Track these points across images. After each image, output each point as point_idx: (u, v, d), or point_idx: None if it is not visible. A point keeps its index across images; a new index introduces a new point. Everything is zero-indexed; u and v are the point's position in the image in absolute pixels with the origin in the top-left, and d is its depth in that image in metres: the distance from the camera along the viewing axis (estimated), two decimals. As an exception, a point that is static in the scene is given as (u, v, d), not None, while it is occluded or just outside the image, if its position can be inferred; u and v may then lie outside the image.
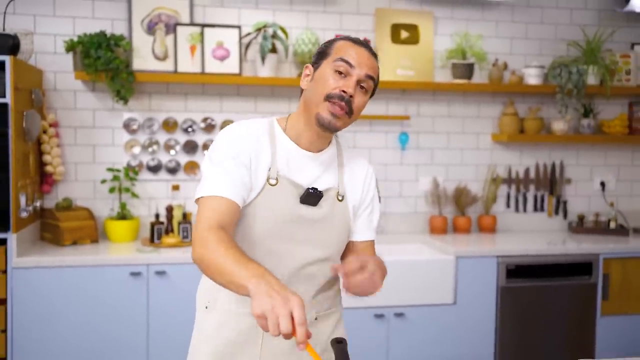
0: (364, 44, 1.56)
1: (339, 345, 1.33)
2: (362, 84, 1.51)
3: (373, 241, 1.70)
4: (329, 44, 1.57)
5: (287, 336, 1.18)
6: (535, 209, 3.85)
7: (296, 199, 1.53)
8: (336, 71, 1.50)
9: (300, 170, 1.56)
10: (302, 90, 1.58)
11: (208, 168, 1.50)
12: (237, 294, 1.45)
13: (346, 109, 1.49)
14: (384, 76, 3.51)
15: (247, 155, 1.49)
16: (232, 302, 1.56)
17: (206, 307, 1.61)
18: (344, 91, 1.48)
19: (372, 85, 1.54)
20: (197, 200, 1.49)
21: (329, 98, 1.49)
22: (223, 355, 1.57)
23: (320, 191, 1.55)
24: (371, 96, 1.60)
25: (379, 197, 1.75)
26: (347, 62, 1.50)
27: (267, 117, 1.63)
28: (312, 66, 1.57)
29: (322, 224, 1.56)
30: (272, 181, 1.52)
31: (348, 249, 1.67)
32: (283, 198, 1.52)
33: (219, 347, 1.57)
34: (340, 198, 1.60)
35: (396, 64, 3.55)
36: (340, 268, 1.42)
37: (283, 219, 1.52)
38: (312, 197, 1.54)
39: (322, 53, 1.56)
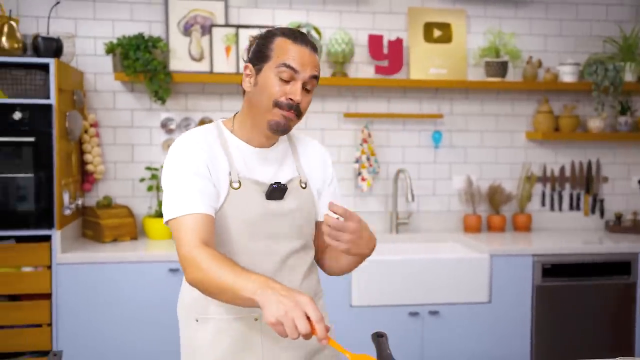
0: (304, 39, 1.51)
1: (380, 339, 1.36)
2: (306, 86, 1.50)
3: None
4: (266, 41, 1.52)
5: (307, 336, 1.19)
6: (571, 208, 3.81)
7: (262, 197, 1.54)
8: (280, 76, 1.48)
9: (258, 167, 1.56)
10: (244, 90, 1.56)
11: (171, 187, 1.47)
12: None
13: (295, 113, 1.50)
14: (417, 75, 3.52)
15: (204, 166, 1.48)
16: (224, 311, 1.54)
17: (197, 321, 1.58)
18: (290, 99, 1.48)
19: (316, 83, 1.53)
20: (168, 222, 1.46)
21: (277, 105, 1.48)
22: None
23: (284, 184, 1.56)
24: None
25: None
26: (291, 68, 1.47)
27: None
28: (252, 66, 1.53)
29: (292, 215, 1.57)
30: (235, 184, 1.52)
31: (318, 230, 1.66)
32: (249, 198, 1.52)
33: (220, 356, 1.55)
34: (303, 185, 1.61)
35: (429, 62, 3.55)
36: (331, 222, 1.39)
37: (254, 218, 1.52)
38: (277, 191, 1.55)
39: (260, 53, 1.51)
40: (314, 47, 1.52)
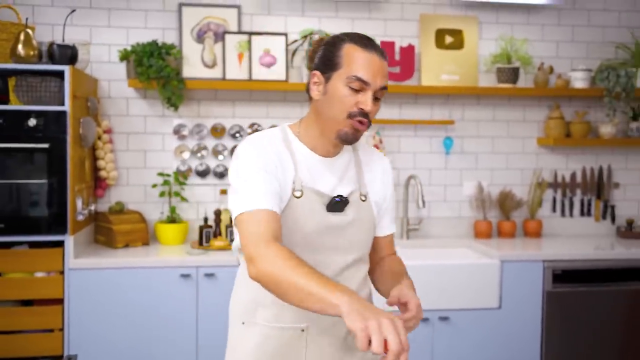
0: (374, 45, 1.50)
1: None
2: (376, 96, 1.50)
3: (393, 234, 1.76)
4: (334, 48, 1.50)
5: (396, 356, 1.12)
6: (582, 214, 3.80)
7: (322, 208, 1.52)
8: (351, 87, 1.47)
9: (321, 177, 1.55)
10: (310, 97, 1.55)
11: (240, 184, 1.46)
12: (278, 309, 1.51)
13: (367, 124, 1.50)
14: (429, 81, 3.53)
15: (273, 166, 1.48)
16: (272, 316, 1.53)
17: (243, 323, 1.58)
18: (362, 109, 1.47)
19: (384, 93, 1.52)
20: (237, 217, 1.44)
21: (350, 117, 1.48)
22: None
23: (346, 198, 1.55)
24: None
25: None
26: (362, 80, 1.46)
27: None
28: (321, 74, 1.52)
29: (350, 229, 1.56)
30: (297, 193, 1.51)
31: (374, 244, 1.70)
32: (309, 209, 1.51)
33: None
34: (363, 198, 1.60)
35: (441, 69, 3.56)
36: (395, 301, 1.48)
37: (311, 230, 1.51)
38: (338, 204, 1.53)
39: (329, 61, 1.50)
40: (382, 54, 1.50)
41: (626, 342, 3.22)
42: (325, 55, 1.51)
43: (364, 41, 1.49)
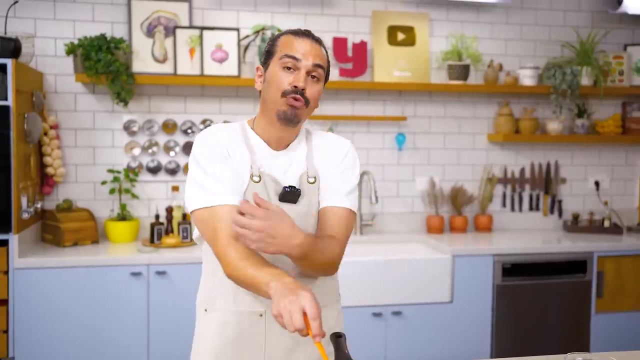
0: (307, 33, 1.58)
1: (338, 339, 1.37)
2: (312, 74, 1.55)
3: (345, 209, 1.60)
4: (273, 41, 1.60)
5: (302, 331, 1.23)
6: (531, 209, 3.90)
7: (276, 197, 1.56)
8: (284, 67, 1.53)
9: (274, 168, 1.59)
10: (260, 92, 1.61)
11: (199, 175, 1.51)
12: (235, 294, 1.55)
13: (302, 101, 1.53)
14: (381, 77, 3.55)
15: (228, 154, 1.54)
16: (231, 301, 1.58)
17: (205, 310, 1.62)
18: (295, 86, 1.52)
19: (322, 73, 1.57)
20: (194, 212, 1.50)
21: (284, 94, 1.53)
22: (227, 354, 1.58)
23: (298, 189, 1.56)
24: (325, 82, 1.63)
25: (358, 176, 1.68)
26: (292, 57, 1.53)
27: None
28: (262, 66, 1.61)
29: (305, 218, 1.58)
30: (256, 178, 1.55)
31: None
32: (266, 195, 1.55)
33: (222, 347, 1.58)
34: (311, 180, 1.60)
35: (393, 65, 3.59)
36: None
37: None
38: (290, 194, 1.56)
39: (269, 52, 1.59)
40: (317, 40, 1.59)
41: (572, 332, 3.32)
42: (266, 49, 1.62)
43: (298, 31, 1.59)
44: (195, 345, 1.67)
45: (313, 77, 1.55)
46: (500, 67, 3.73)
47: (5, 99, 2.75)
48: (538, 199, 3.90)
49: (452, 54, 3.62)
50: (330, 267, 1.57)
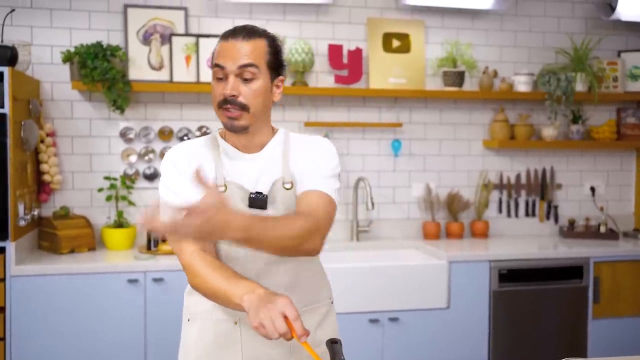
0: (234, 33, 1.52)
1: (334, 345, 1.38)
2: (243, 77, 1.49)
3: (318, 192, 1.55)
4: (213, 53, 1.57)
5: (286, 335, 1.25)
6: (527, 214, 3.91)
7: (245, 204, 1.54)
8: (216, 78, 1.52)
9: (244, 173, 1.57)
10: None
11: (164, 193, 1.55)
12: (212, 303, 1.55)
13: (237, 107, 1.50)
14: (377, 84, 3.57)
15: (191, 169, 1.50)
16: (210, 310, 1.60)
17: (188, 320, 1.66)
18: (224, 95, 1.50)
19: (256, 71, 1.50)
20: None
21: (219, 107, 1.52)
22: None
23: (264, 195, 1.55)
24: (278, 70, 1.55)
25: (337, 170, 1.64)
26: (218, 65, 1.50)
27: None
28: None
29: None
30: (221, 188, 1.54)
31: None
32: (233, 203, 1.52)
33: (203, 355, 1.61)
34: (287, 186, 1.57)
35: (388, 72, 3.61)
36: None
37: None
38: (257, 201, 1.54)
39: (212, 64, 1.57)
40: (248, 35, 1.51)
41: (569, 337, 3.32)
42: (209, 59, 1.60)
43: (227, 32, 1.54)
44: (180, 354, 1.69)
45: (245, 79, 1.50)
46: (495, 74, 3.75)
47: (2, 106, 2.76)
48: (534, 204, 3.91)
49: (447, 60, 3.64)
50: (297, 244, 1.44)
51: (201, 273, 1.44)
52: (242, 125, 1.52)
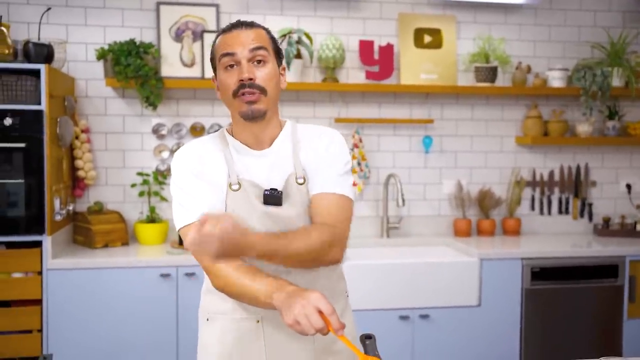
0: (235, 24, 1.54)
1: (368, 340, 1.38)
2: (256, 59, 1.50)
3: (333, 195, 1.54)
4: (212, 48, 1.58)
5: (323, 330, 1.24)
6: (560, 212, 3.84)
7: (260, 201, 1.53)
8: (226, 68, 1.51)
9: (256, 170, 1.56)
10: None
11: (179, 194, 1.52)
12: (232, 302, 1.55)
13: (256, 91, 1.49)
14: (408, 80, 3.55)
15: (201, 168, 1.52)
16: (231, 309, 1.59)
17: (207, 320, 1.64)
18: (241, 80, 1.48)
19: (267, 53, 1.51)
20: (180, 230, 1.51)
21: (235, 95, 1.50)
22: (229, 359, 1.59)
23: (279, 191, 1.54)
24: (280, 56, 1.56)
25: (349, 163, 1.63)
26: (227, 54, 1.50)
27: (290, 119, 1.66)
28: (214, 75, 1.59)
29: (295, 218, 1.55)
30: (235, 186, 1.53)
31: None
32: (248, 201, 1.52)
33: (224, 355, 1.60)
34: (300, 181, 1.56)
35: (419, 68, 3.58)
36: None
37: (254, 221, 1.52)
38: (272, 198, 1.53)
39: (212, 60, 1.57)
40: (249, 25, 1.53)
41: (603, 337, 3.27)
42: (210, 57, 1.60)
43: (228, 26, 1.55)
44: (200, 355, 1.68)
45: (258, 61, 1.50)
46: (529, 69, 3.69)
47: (39, 103, 2.82)
48: (567, 202, 3.84)
49: (479, 56, 3.59)
50: (316, 257, 1.46)
51: (225, 274, 1.42)
52: (261, 109, 1.50)
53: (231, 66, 1.50)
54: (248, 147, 1.58)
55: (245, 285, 1.39)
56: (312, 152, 1.59)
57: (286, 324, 1.27)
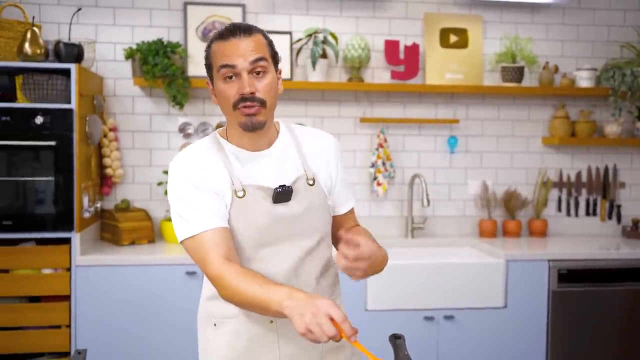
0: (232, 31, 1.48)
1: (398, 340, 1.38)
2: (255, 71, 1.47)
3: (353, 208, 1.76)
4: (207, 53, 1.53)
5: (335, 337, 1.23)
6: (588, 214, 3.80)
7: (269, 202, 1.52)
8: (225, 79, 1.47)
9: (260, 172, 1.54)
10: None
11: (180, 206, 1.49)
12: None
13: (256, 104, 1.47)
14: (433, 80, 3.53)
15: (204, 179, 1.49)
16: (241, 313, 1.56)
17: (215, 325, 1.60)
18: (242, 94, 1.46)
19: (266, 64, 1.49)
20: (183, 242, 1.49)
21: (235, 107, 1.47)
22: None
23: (289, 186, 1.53)
24: (277, 60, 1.55)
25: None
26: (227, 65, 1.46)
27: (283, 123, 1.65)
28: (209, 81, 1.56)
29: (302, 217, 1.55)
30: (240, 193, 1.50)
31: (335, 223, 1.69)
32: (256, 205, 1.51)
33: (231, 358, 1.57)
34: (310, 182, 1.58)
35: (445, 67, 3.56)
36: (341, 261, 1.38)
37: (263, 225, 1.51)
38: (282, 194, 1.52)
39: (207, 66, 1.54)
40: (247, 32, 1.48)
41: (631, 341, 3.22)
42: (205, 63, 1.55)
43: (224, 32, 1.49)
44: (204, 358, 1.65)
45: (257, 73, 1.48)
46: (556, 69, 3.65)
47: (69, 102, 2.86)
48: (595, 203, 3.79)
49: (505, 55, 3.57)
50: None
51: (232, 284, 1.39)
52: (261, 121, 1.49)
53: (230, 77, 1.47)
54: (246, 150, 1.56)
55: (255, 294, 1.36)
56: (315, 157, 1.63)
57: (298, 333, 1.25)
